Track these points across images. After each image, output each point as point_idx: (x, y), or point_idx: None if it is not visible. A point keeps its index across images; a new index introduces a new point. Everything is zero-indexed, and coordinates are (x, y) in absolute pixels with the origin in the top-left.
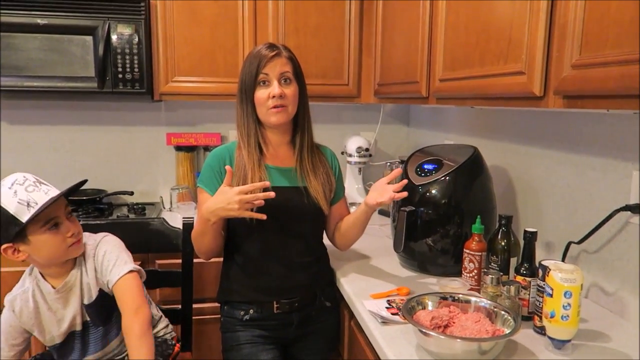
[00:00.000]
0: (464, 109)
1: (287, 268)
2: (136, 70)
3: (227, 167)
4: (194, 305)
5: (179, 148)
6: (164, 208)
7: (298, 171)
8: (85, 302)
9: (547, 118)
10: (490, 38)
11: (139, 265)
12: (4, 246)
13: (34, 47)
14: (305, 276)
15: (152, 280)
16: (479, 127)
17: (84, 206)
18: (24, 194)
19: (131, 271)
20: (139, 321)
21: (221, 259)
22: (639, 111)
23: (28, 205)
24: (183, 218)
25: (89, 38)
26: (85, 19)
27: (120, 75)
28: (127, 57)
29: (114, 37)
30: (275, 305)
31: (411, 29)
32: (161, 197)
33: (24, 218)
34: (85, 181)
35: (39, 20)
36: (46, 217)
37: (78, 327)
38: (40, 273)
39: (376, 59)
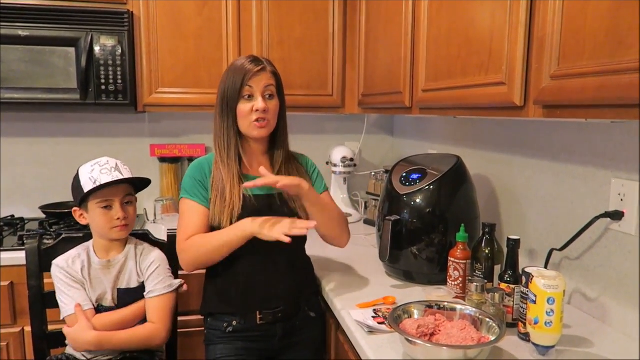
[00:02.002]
0: (447, 119)
1: (270, 278)
2: (119, 81)
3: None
4: (179, 318)
5: (162, 159)
6: (148, 220)
7: None
8: (123, 286)
9: (529, 127)
10: (471, 50)
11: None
12: (74, 208)
13: (15, 58)
14: (288, 286)
15: None
16: (462, 137)
17: (66, 219)
18: (97, 173)
19: (170, 292)
20: (152, 335)
21: (203, 271)
22: (615, 120)
23: (94, 182)
24: (167, 230)
25: (72, 49)
26: (67, 31)
27: (103, 87)
28: (110, 68)
29: (96, 49)
30: (258, 316)
31: (394, 40)
32: (145, 209)
33: (85, 189)
34: (149, 181)
35: (20, 32)
36: (103, 197)
37: (106, 303)
38: (93, 248)
39: (360, 70)
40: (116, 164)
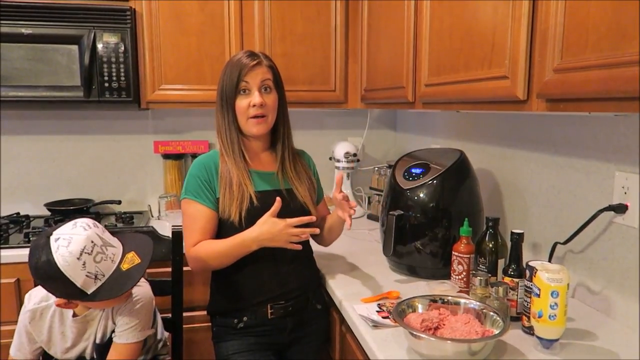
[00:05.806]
0: (450, 113)
1: (279, 272)
2: (122, 78)
3: (278, 199)
4: (184, 314)
5: (166, 156)
6: (152, 216)
7: (280, 176)
8: (98, 340)
9: (531, 121)
10: (474, 43)
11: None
12: (58, 300)
13: (18, 56)
14: (297, 279)
15: None
16: (465, 131)
17: (71, 216)
18: (92, 265)
19: (137, 342)
20: None
21: None
22: (619, 113)
23: (96, 277)
24: (172, 226)
25: (75, 47)
26: (70, 28)
27: (106, 84)
28: (114, 65)
29: (99, 46)
30: (269, 311)
31: (396, 35)
32: (149, 205)
33: (89, 290)
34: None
35: (23, 30)
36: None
37: (88, 357)
38: None
39: (362, 65)
40: (101, 239)
